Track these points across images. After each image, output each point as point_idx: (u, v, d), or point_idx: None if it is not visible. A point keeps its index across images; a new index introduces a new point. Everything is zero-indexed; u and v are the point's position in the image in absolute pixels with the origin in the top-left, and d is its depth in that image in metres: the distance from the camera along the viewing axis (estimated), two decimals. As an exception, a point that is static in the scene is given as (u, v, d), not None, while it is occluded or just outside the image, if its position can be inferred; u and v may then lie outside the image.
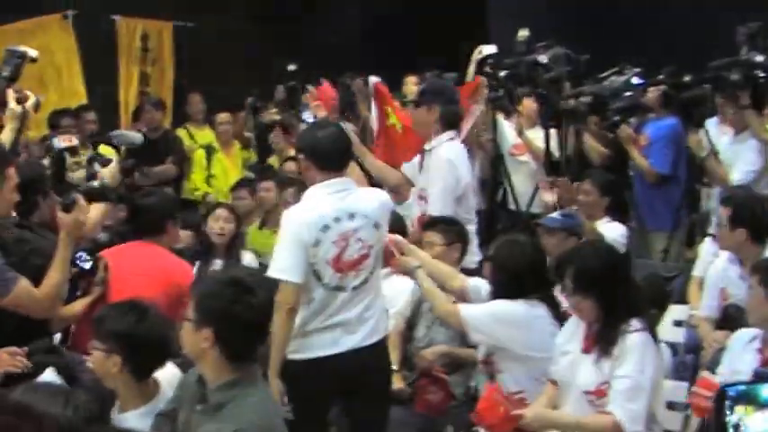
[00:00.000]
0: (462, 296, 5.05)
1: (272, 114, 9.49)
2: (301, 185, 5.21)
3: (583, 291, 4.24)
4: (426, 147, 6.00)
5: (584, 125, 7.60)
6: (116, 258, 4.91)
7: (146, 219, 5.12)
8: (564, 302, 4.67)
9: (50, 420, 2.72)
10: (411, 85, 9.12)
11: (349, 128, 5.99)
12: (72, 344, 4.77)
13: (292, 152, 8.52)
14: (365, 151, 6.19)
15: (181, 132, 9.47)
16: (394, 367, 5.20)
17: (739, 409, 3.10)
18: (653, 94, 7.46)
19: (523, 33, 7.55)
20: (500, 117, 7.78)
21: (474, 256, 5.80)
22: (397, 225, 5.32)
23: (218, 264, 6.57)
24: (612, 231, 6.25)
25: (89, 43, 10.10)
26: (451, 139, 6.00)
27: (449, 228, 5.52)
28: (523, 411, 4.23)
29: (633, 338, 4.15)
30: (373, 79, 6.96)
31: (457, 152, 5.98)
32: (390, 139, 6.77)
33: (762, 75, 6.51)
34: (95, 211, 4.90)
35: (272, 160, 9.04)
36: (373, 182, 5.88)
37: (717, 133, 7.14)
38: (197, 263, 6.44)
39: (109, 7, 10.44)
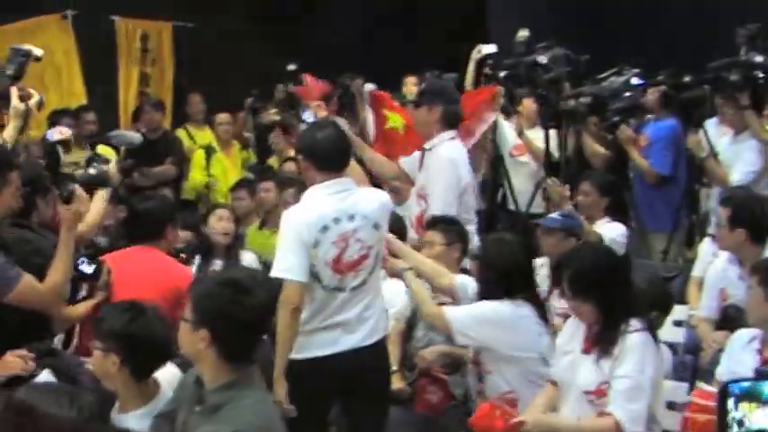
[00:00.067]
0: (451, 294, 5.07)
1: (272, 115, 9.49)
2: (301, 186, 5.21)
3: (581, 294, 4.25)
4: (426, 146, 6.00)
5: (583, 126, 7.61)
6: (116, 263, 4.90)
7: (144, 223, 5.09)
8: (562, 305, 4.68)
9: (53, 420, 2.73)
10: (411, 86, 9.13)
11: (342, 123, 5.98)
12: (77, 347, 4.77)
13: (292, 153, 8.51)
14: (363, 145, 6.18)
15: (180, 133, 9.47)
16: (393, 367, 5.21)
17: (743, 405, 3.12)
18: (652, 95, 7.46)
19: (523, 34, 7.56)
20: (500, 118, 7.79)
21: (474, 257, 5.81)
22: (397, 225, 5.33)
23: (218, 264, 6.57)
24: (612, 231, 6.26)
25: (88, 43, 10.09)
26: (452, 138, 6.00)
27: (449, 228, 5.53)
28: (524, 418, 4.24)
29: (633, 338, 4.16)
30: (369, 87, 6.96)
31: (457, 151, 5.98)
32: (390, 141, 6.76)
33: (761, 75, 6.52)
34: (95, 209, 4.90)
35: (272, 161, 9.04)
36: (375, 181, 5.89)
37: (716, 134, 7.14)
38: (196, 262, 6.45)
39: (108, 7, 10.43)
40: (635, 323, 4.20)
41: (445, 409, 5.24)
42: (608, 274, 4.28)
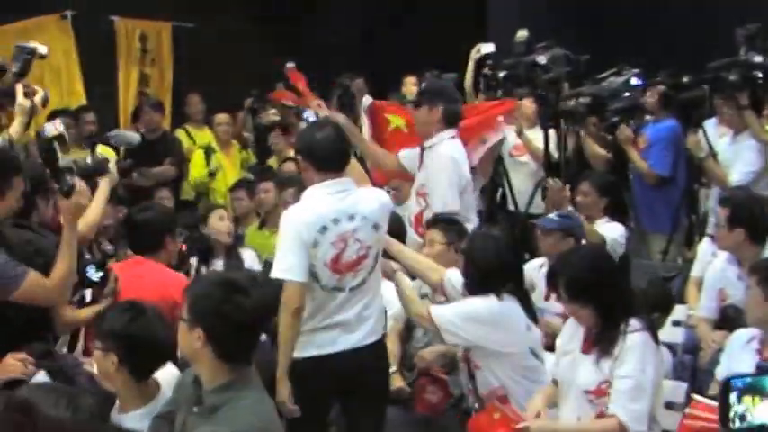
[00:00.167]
0: (442, 290, 5.09)
1: (271, 115, 9.50)
2: (301, 186, 5.20)
3: (577, 298, 4.26)
4: (426, 144, 6.01)
5: (583, 126, 7.61)
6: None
7: (143, 234, 5.05)
8: (561, 305, 4.70)
9: (52, 420, 2.73)
10: (410, 86, 9.15)
11: (342, 117, 5.99)
12: (83, 349, 4.77)
13: (291, 153, 8.52)
14: (361, 137, 6.18)
15: (180, 133, 9.47)
16: (393, 367, 5.21)
17: (746, 399, 3.14)
18: (652, 97, 7.46)
19: (522, 34, 7.56)
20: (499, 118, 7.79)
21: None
22: (396, 225, 5.33)
23: (219, 264, 6.57)
24: (612, 232, 6.26)
25: (88, 44, 10.09)
26: (452, 137, 6.00)
27: (449, 227, 5.53)
28: (527, 424, 4.24)
29: (633, 338, 4.17)
30: (367, 101, 6.97)
31: (458, 150, 5.99)
32: (397, 141, 6.74)
33: (760, 75, 6.52)
34: (94, 208, 4.90)
35: (272, 161, 9.04)
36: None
37: (715, 134, 7.15)
38: (194, 263, 6.46)
39: (108, 8, 10.43)
40: (635, 323, 4.21)
41: (445, 409, 5.25)
42: (602, 278, 4.29)
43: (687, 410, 4.38)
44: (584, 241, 5.86)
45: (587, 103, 7.37)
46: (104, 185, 4.99)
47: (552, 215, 6.03)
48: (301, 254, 4.48)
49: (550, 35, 7.66)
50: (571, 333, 4.42)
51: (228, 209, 7.91)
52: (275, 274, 4.52)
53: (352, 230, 4.56)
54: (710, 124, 7.26)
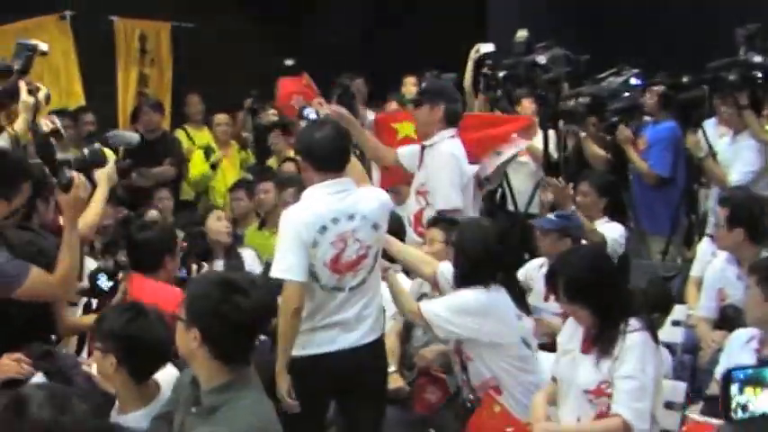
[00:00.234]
0: (435, 283, 5.10)
1: (271, 115, 9.49)
2: (300, 186, 5.20)
3: (576, 299, 4.27)
4: (426, 143, 6.00)
5: (582, 126, 7.61)
6: None
7: (142, 254, 5.01)
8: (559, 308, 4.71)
9: (36, 421, 2.72)
10: (410, 86, 9.14)
11: (342, 110, 5.99)
12: (88, 353, 4.77)
13: (291, 153, 8.52)
14: (360, 130, 6.17)
15: (179, 133, 9.45)
16: (393, 367, 5.21)
17: (748, 390, 3.17)
18: (651, 99, 7.46)
19: (522, 34, 7.55)
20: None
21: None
22: (395, 225, 5.33)
23: (219, 264, 6.56)
24: (611, 232, 6.26)
25: (87, 44, 10.07)
26: (452, 136, 6.00)
27: (449, 226, 5.53)
28: (531, 427, 4.25)
29: (633, 338, 4.18)
30: (371, 117, 6.98)
31: (458, 148, 5.99)
32: None
33: (760, 75, 6.52)
34: (93, 208, 4.90)
35: (271, 161, 9.04)
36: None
37: (715, 134, 7.15)
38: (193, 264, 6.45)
39: (107, 8, 10.42)
40: (634, 323, 4.21)
41: (438, 408, 5.24)
42: (602, 278, 4.30)
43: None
44: (584, 241, 5.86)
45: (587, 103, 7.38)
46: (103, 186, 4.98)
47: (551, 215, 6.03)
48: (301, 254, 4.48)
49: (550, 35, 7.67)
50: (571, 333, 4.43)
51: (227, 209, 7.91)
52: (275, 273, 4.52)
53: (352, 230, 4.56)
54: (710, 124, 7.26)
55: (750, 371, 3.22)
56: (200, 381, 3.36)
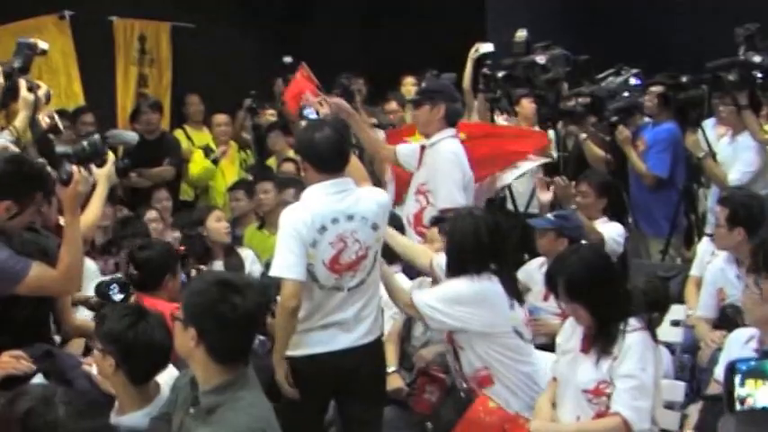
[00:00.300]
0: (432, 273, 5.11)
1: (269, 116, 9.50)
2: (300, 187, 5.21)
3: (576, 299, 4.27)
4: (426, 142, 6.01)
5: (581, 126, 7.62)
6: None
7: (143, 274, 5.01)
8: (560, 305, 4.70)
9: (44, 421, 2.72)
10: (409, 86, 9.16)
11: (341, 103, 6.00)
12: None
13: (290, 153, 8.53)
14: (360, 123, 6.18)
15: (178, 134, 9.45)
16: (393, 368, 5.21)
17: (749, 382, 3.16)
18: (651, 101, 7.46)
19: (521, 34, 7.55)
20: (499, 118, 7.79)
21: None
22: (395, 225, 5.33)
23: (218, 264, 6.56)
24: (610, 231, 6.26)
25: (86, 44, 10.07)
26: (452, 136, 6.01)
27: None
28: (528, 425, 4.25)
29: (633, 337, 4.19)
30: (382, 134, 7.01)
31: (459, 147, 6.00)
32: None
33: (759, 75, 6.52)
34: (93, 208, 4.89)
35: (271, 161, 9.04)
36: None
37: (714, 134, 7.16)
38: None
39: (106, 8, 10.41)
40: (634, 322, 4.23)
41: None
42: (601, 278, 4.30)
43: None
44: (583, 241, 5.86)
45: (586, 104, 7.38)
46: (102, 185, 4.98)
47: (549, 215, 6.04)
48: (300, 253, 4.48)
49: (549, 35, 7.67)
50: (570, 333, 4.44)
51: (227, 209, 7.91)
52: (273, 272, 4.53)
53: (351, 231, 4.56)
54: (709, 124, 7.27)
55: (752, 363, 3.22)
56: (199, 381, 3.36)
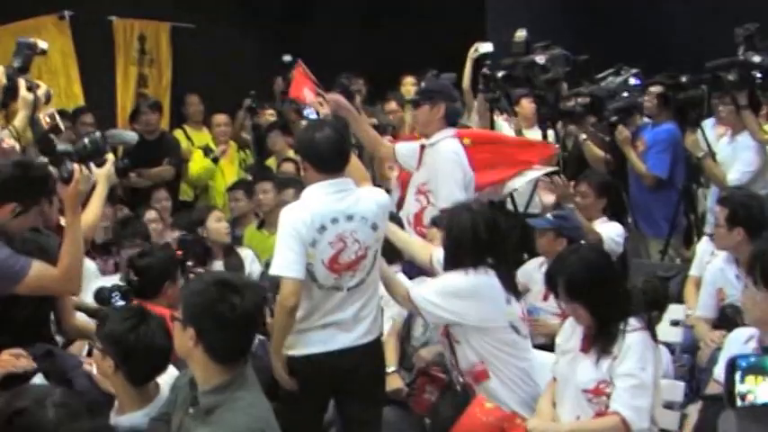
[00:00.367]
0: (432, 268, 5.09)
1: (268, 116, 9.51)
2: (300, 187, 5.21)
3: (575, 298, 4.27)
4: (427, 142, 6.01)
5: (581, 126, 7.62)
6: None
7: (142, 281, 5.01)
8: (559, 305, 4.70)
9: (36, 421, 2.73)
10: (409, 86, 9.16)
11: (339, 98, 6.00)
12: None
13: (290, 153, 8.54)
14: (358, 118, 6.19)
15: (178, 133, 9.46)
16: (393, 368, 5.21)
17: (749, 378, 3.17)
18: (650, 102, 7.46)
19: (521, 34, 7.56)
20: (498, 118, 7.80)
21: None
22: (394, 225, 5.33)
23: (218, 265, 6.56)
24: (610, 231, 6.27)
25: (86, 44, 10.08)
26: (452, 136, 6.02)
27: None
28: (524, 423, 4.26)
29: (633, 337, 4.19)
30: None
31: (459, 147, 6.01)
32: None
33: (759, 75, 6.52)
34: (93, 209, 4.90)
35: (270, 161, 9.04)
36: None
37: (713, 134, 7.16)
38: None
39: (106, 8, 10.42)
40: (634, 322, 4.23)
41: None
42: (601, 278, 4.30)
43: None
44: (582, 242, 5.86)
45: (586, 104, 7.39)
46: (102, 185, 4.98)
47: (548, 215, 6.04)
48: (300, 251, 4.48)
49: (549, 35, 7.67)
50: (569, 333, 4.45)
51: (226, 209, 7.92)
52: (273, 270, 4.53)
53: (351, 231, 4.57)
54: (709, 124, 7.28)
55: (753, 359, 3.22)
56: (198, 381, 3.35)
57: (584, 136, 7.60)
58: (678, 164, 7.34)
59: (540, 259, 5.96)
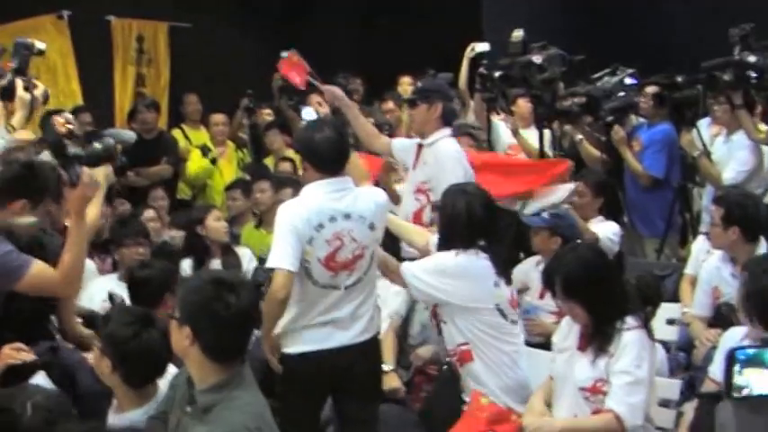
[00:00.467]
0: (428, 252, 5.09)
1: (265, 115, 9.51)
2: (297, 187, 5.22)
3: (572, 297, 4.28)
4: (425, 141, 6.02)
5: (577, 126, 7.63)
6: None
7: (142, 292, 5.02)
8: (556, 303, 4.72)
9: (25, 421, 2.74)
10: (405, 85, 9.17)
11: (338, 92, 6.02)
12: None
13: (288, 152, 8.55)
14: (356, 114, 6.21)
15: (176, 133, 9.47)
16: (390, 366, 5.23)
17: (747, 371, 3.19)
18: (646, 103, 7.48)
19: (518, 34, 7.57)
20: (495, 118, 7.82)
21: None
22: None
23: (216, 263, 6.57)
24: (606, 230, 6.28)
25: (84, 44, 10.08)
26: (450, 135, 6.04)
27: None
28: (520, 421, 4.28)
29: (630, 335, 4.20)
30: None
31: (459, 146, 6.03)
32: None
33: (754, 75, 6.54)
34: (92, 210, 4.91)
35: (268, 160, 9.05)
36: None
37: (708, 133, 7.18)
38: (190, 263, 6.47)
39: (104, 8, 10.43)
40: (631, 321, 4.24)
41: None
42: (598, 276, 4.31)
43: None
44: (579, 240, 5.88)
45: (582, 103, 7.40)
46: (101, 185, 4.99)
47: (543, 213, 6.06)
48: (295, 245, 4.50)
49: (545, 35, 7.68)
50: (567, 331, 4.45)
51: (224, 208, 7.93)
52: (269, 263, 4.55)
53: (349, 229, 4.58)
54: (704, 123, 7.29)
55: (752, 351, 3.25)
56: (195, 380, 3.34)
57: (579, 136, 7.62)
58: (674, 164, 7.36)
59: (537, 258, 5.98)
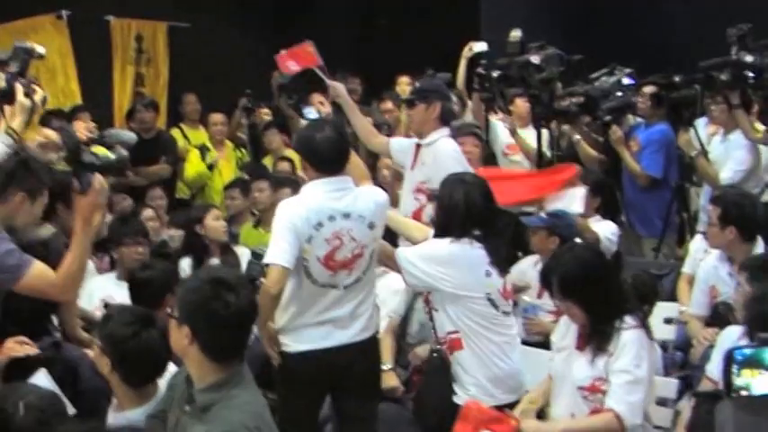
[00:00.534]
0: None
1: (264, 115, 9.52)
2: (296, 187, 5.23)
3: (570, 296, 4.29)
4: (424, 141, 6.04)
5: (575, 126, 7.64)
6: None
7: (142, 294, 5.02)
8: (554, 302, 4.73)
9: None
10: (404, 85, 9.17)
11: (339, 87, 6.03)
12: None
13: (286, 152, 8.56)
14: (355, 112, 6.22)
15: (175, 132, 9.48)
16: (389, 365, 5.24)
17: (745, 372, 3.20)
18: (644, 103, 7.49)
19: (516, 34, 7.58)
20: (493, 117, 7.82)
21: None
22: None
23: (215, 262, 6.57)
24: (603, 229, 6.28)
25: (84, 44, 10.09)
26: (449, 135, 6.05)
27: None
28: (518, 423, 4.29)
29: (628, 335, 4.21)
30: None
31: (457, 146, 6.04)
32: None
33: (751, 75, 6.55)
34: (98, 214, 4.92)
35: (267, 160, 9.06)
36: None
37: (705, 133, 7.19)
38: (189, 263, 6.48)
39: (103, 8, 10.43)
40: (629, 320, 4.24)
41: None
42: (596, 276, 4.32)
43: None
44: (577, 240, 5.89)
45: (580, 103, 7.41)
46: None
47: (541, 213, 6.07)
48: (292, 243, 4.50)
49: (543, 35, 7.69)
50: (565, 330, 4.46)
51: (223, 207, 7.93)
52: (265, 259, 4.55)
53: (348, 229, 4.59)
54: (701, 123, 7.30)
55: (750, 351, 3.25)
56: (193, 379, 3.35)
57: (577, 136, 7.63)
58: (672, 164, 7.37)
59: (535, 257, 5.99)
